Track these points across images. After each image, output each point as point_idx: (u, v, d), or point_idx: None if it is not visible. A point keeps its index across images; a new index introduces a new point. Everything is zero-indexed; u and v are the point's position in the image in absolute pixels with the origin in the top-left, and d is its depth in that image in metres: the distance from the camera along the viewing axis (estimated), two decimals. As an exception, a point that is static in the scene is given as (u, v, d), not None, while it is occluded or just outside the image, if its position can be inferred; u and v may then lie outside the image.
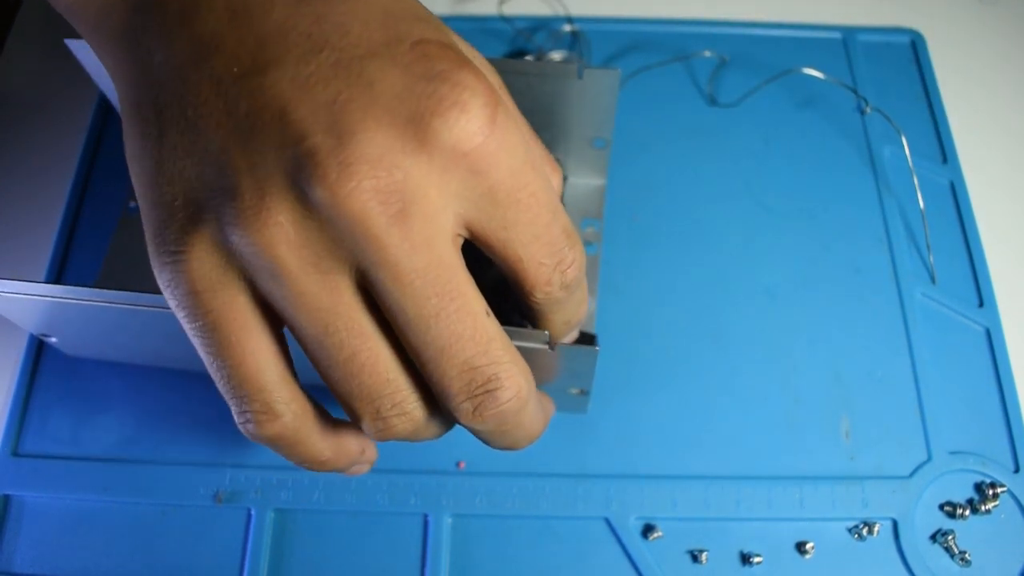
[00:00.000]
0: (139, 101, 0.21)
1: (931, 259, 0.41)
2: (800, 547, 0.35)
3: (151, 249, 0.21)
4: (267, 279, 0.20)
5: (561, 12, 0.49)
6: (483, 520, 0.35)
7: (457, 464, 0.36)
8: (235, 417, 0.22)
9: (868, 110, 0.45)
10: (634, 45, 0.47)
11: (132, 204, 0.42)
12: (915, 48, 0.48)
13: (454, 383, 0.21)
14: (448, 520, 0.35)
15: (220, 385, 0.22)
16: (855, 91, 0.45)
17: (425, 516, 0.35)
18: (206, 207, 0.20)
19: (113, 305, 0.29)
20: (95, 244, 0.41)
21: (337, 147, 0.19)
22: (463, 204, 0.21)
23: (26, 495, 0.36)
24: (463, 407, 0.21)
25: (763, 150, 0.44)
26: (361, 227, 0.19)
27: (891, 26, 0.48)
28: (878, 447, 0.36)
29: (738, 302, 0.40)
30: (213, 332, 0.21)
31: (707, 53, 0.47)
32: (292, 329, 0.21)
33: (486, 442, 0.24)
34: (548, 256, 0.22)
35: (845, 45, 0.47)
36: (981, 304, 0.40)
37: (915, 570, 0.34)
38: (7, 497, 0.36)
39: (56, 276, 0.41)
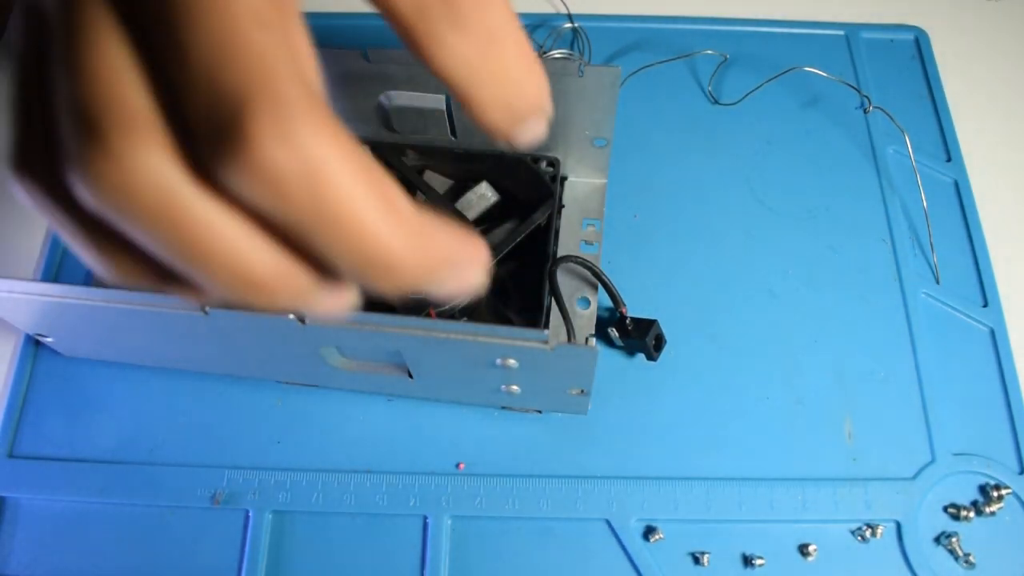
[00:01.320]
0: None
1: (935, 259, 0.40)
2: (803, 549, 0.34)
3: None
4: None
5: (562, 10, 0.48)
6: (483, 522, 0.35)
7: (457, 465, 0.36)
8: (74, 159, 0.15)
9: (870, 109, 0.44)
10: (635, 43, 0.47)
11: None
12: (919, 46, 0.47)
13: (190, 102, 0.14)
14: (448, 521, 0.35)
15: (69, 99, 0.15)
16: (858, 90, 0.45)
17: (425, 517, 0.35)
18: None
19: (111, 304, 0.29)
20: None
21: None
22: None
23: (22, 497, 0.36)
24: (204, 150, 0.14)
25: (765, 149, 0.44)
26: None
27: (894, 23, 0.48)
28: (881, 448, 0.36)
29: (740, 302, 0.40)
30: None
31: (708, 51, 0.46)
32: None
33: (311, 243, 0.15)
34: None
35: (848, 43, 0.47)
36: (985, 304, 0.39)
37: (919, 572, 0.34)
38: (2, 499, 0.36)
39: (51, 275, 0.40)
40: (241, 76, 0.14)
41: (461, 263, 0.17)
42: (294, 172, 0.14)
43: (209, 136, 0.14)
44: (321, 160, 0.14)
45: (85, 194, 0.15)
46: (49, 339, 0.36)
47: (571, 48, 0.47)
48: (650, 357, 0.37)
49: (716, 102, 0.45)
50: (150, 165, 0.14)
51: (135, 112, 0.14)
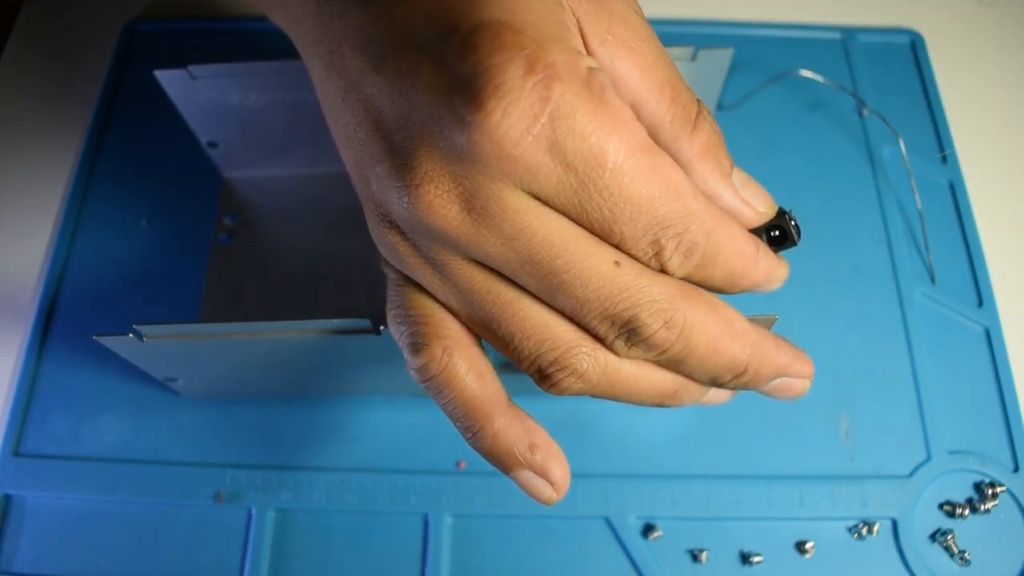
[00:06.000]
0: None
1: (930, 259, 0.41)
2: (800, 546, 0.35)
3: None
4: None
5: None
6: (483, 520, 0.35)
7: (457, 464, 0.36)
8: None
9: (866, 112, 0.45)
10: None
11: (222, 236, 0.41)
12: (914, 48, 0.48)
13: (600, 329, 0.21)
14: (448, 520, 0.35)
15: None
16: (853, 94, 0.45)
17: (425, 516, 0.35)
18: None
19: (271, 336, 0.28)
20: (95, 248, 0.41)
21: (403, 168, 0.19)
22: (532, 187, 0.19)
23: (27, 495, 0.36)
24: (617, 345, 0.21)
25: (763, 151, 0.44)
26: (449, 235, 0.20)
27: (890, 26, 0.48)
28: (878, 446, 0.37)
29: (737, 302, 0.40)
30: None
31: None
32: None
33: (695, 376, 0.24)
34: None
35: (844, 46, 0.47)
36: (980, 304, 0.40)
37: (915, 569, 0.34)
38: (8, 497, 0.36)
39: (56, 283, 0.40)
40: (621, 304, 0.20)
41: (790, 373, 0.26)
42: (671, 337, 0.21)
43: (615, 339, 0.21)
44: (691, 324, 0.21)
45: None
46: (179, 382, 0.35)
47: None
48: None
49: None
50: (619, 370, 0.23)
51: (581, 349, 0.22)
